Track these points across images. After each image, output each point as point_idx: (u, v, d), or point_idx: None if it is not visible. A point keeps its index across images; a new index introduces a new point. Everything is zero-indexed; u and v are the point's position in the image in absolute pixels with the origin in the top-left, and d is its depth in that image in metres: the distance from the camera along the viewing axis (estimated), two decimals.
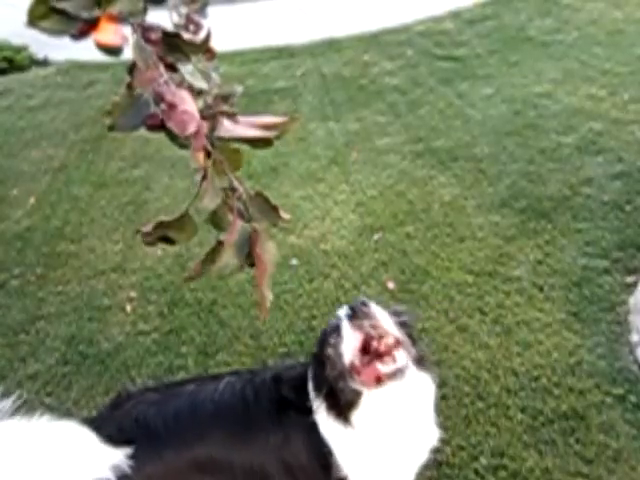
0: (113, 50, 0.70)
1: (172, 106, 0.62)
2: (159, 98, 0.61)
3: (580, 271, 2.41)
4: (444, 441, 1.84)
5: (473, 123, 3.65)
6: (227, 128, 0.70)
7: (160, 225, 0.76)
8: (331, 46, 5.18)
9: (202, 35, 0.82)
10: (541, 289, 2.36)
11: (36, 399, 2.13)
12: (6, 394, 1.31)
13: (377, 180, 3.21)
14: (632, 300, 2.22)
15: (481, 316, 2.28)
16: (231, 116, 0.71)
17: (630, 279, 2.32)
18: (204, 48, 0.70)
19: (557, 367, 2.03)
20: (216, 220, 0.77)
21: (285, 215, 0.80)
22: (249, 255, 0.80)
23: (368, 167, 3.34)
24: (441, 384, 2.02)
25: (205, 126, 0.68)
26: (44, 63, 5.44)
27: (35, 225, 3.22)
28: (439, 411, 1.91)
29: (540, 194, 2.90)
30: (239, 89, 0.90)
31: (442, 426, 1.87)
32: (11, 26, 5.61)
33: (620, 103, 3.61)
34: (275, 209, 0.79)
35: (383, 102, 4.08)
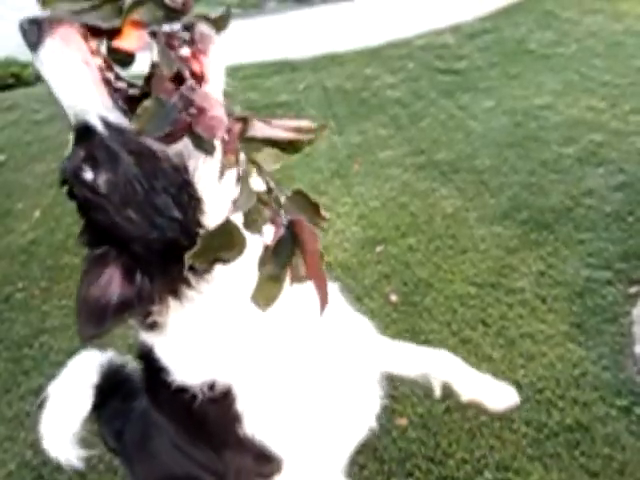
0: (126, 61, 0.69)
1: (201, 110, 0.59)
2: (188, 103, 0.59)
3: (583, 282, 2.41)
4: (448, 454, 1.84)
5: (474, 135, 3.67)
6: (259, 128, 0.66)
7: (207, 244, 0.66)
8: (333, 60, 5.24)
9: None
10: (544, 301, 2.36)
11: (39, 413, 2.12)
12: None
13: (379, 192, 3.22)
14: (635, 311, 2.22)
15: (484, 328, 2.27)
16: (263, 118, 0.68)
17: (633, 290, 2.32)
18: None
19: (561, 379, 2.02)
20: (250, 222, 0.69)
21: (325, 213, 0.73)
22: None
23: (370, 179, 3.36)
24: (445, 397, 2.02)
25: (237, 127, 0.65)
26: None
27: (40, 238, 3.25)
28: (442, 423, 1.92)
29: (542, 205, 2.90)
30: (236, 109, 0.91)
31: (446, 440, 1.88)
32: (18, 42, 5.70)
33: (620, 114, 3.63)
34: (316, 207, 0.74)
35: (385, 115, 4.11)
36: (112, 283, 0.81)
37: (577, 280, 2.42)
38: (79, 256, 3.07)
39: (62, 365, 2.35)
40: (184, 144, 0.68)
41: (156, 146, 0.69)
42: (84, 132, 0.74)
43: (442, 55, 5.01)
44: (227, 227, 0.66)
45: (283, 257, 0.67)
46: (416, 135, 3.78)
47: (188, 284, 0.82)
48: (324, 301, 0.70)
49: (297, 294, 0.77)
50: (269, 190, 0.71)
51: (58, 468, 1.87)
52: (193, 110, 0.59)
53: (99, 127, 0.71)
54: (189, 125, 0.59)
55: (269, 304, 0.68)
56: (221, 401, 0.95)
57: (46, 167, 4.01)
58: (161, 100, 0.59)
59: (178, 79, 0.61)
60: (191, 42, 0.62)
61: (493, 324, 2.28)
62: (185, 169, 0.74)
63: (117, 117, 0.71)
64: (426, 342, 2.23)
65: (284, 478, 1.08)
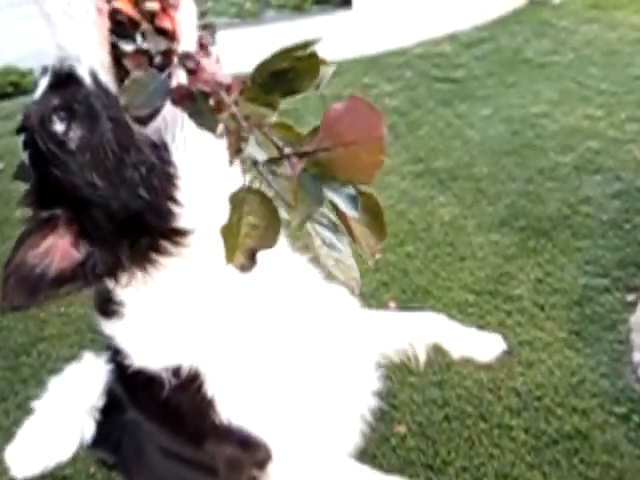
0: None
1: (199, 66, 0.54)
2: (182, 63, 0.53)
3: (581, 290, 2.41)
4: (447, 463, 1.83)
5: (472, 143, 3.69)
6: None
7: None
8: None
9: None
10: (542, 308, 2.36)
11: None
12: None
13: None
14: (633, 319, 2.22)
15: None
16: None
17: (631, 297, 2.33)
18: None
19: (560, 386, 2.02)
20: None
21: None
22: None
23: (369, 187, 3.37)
24: (443, 405, 2.02)
25: (237, 84, 0.57)
26: None
27: None
28: (441, 431, 1.92)
29: (539, 213, 2.92)
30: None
31: (445, 448, 1.87)
32: (17, 51, 5.73)
33: (617, 122, 3.66)
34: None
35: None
36: (54, 251, 0.73)
37: (575, 288, 2.43)
38: None
39: (61, 372, 2.36)
40: (162, 118, 0.62)
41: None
42: (64, 80, 0.67)
43: (440, 64, 5.05)
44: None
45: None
46: (414, 143, 3.80)
47: (150, 259, 0.74)
48: (381, 237, 0.57)
49: (272, 260, 0.69)
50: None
51: (55, 478, 1.86)
52: (191, 64, 0.53)
53: (87, 80, 0.65)
54: (189, 92, 0.52)
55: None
56: (189, 387, 0.86)
57: None
58: (152, 72, 0.53)
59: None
60: None
61: (492, 331, 2.28)
62: (163, 145, 0.67)
63: (108, 80, 0.64)
64: None
65: (281, 466, 0.98)
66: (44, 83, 0.70)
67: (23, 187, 3.39)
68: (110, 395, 1.24)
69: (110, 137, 0.66)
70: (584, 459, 1.78)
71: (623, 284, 2.40)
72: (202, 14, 0.66)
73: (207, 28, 0.76)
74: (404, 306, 2.46)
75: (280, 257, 0.89)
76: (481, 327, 2.30)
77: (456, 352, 1.38)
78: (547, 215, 2.89)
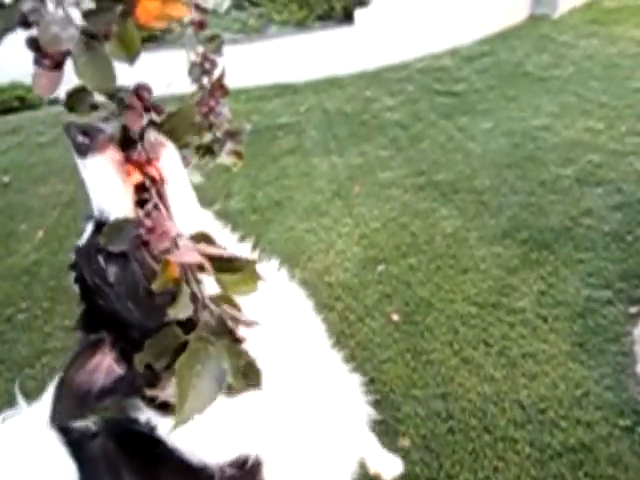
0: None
1: (152, 229, 0.63)
2: (141, 224, 0.64)
3: (584, 302, 2.42)
4: (451, 476, 1.82)
5: (473, 156, 3.72)
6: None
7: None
8: (333, 83, 5.33)
9: (217, 72, 0.86)
10: (545, 320, 2.36)
11: None
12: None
13: (380, 213, 3.25)
14: (637, 331, 2.22)
15: (486, 348, 2.27)
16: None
17: (634, 309, 2.33)
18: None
19: (564, 399, 2.02)
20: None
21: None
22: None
23: (371, 200, 3.39)
24: (447, 417, 2.01)
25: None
26: (55, 101, 5.60)
27: (43, 259, 3.26)
28: (445, 444, 1.91)
29: (541, 225, 2.93)
30: (247, 127, 0.94)
31: (449, 461, 1.86)
32: (23, 66, 5.81)
33: (617, 135, 3.68)
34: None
35: (385, 137, 4.17)
36: (99, 368, 0.83)
37: (578, 300, 2.43)
38: None
39: None
40: None
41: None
42: (103, 226, 0.79)
43: (441, 78, 5.10)
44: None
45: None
46: (416, 156, 3.83)
47: None
48: None
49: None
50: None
51: None
52: (145, 229, 0.63)
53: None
54: (144, 242, 0.63)
55: None
56: (247, 476, 0.94)
57: (50, 189, 4.05)
58: (124, 221, 0.64)
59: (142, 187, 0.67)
60: (144, 152, 0.66)
61: (495, 344, 2.28)
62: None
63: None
64: (428, 362, 2.23)
65: None
66: (89, 228, 0.83)
67: (28, 201, 3.43)
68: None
69: (139, 274, 0.76)
70: (588, 472, 1.77)
71: (626, 296, 2.40)
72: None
73: (214, 40, 0.78)
74: (407, 319, 2.46)
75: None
76: (484, 339, 2.31)
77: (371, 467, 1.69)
78: (549, 227, 2.90)
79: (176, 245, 0.60)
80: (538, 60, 5.18)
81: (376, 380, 2.18)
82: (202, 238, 0.60)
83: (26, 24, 0.48)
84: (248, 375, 0.59)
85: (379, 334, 2.40)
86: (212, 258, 0.58)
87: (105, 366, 0.82)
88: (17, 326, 2.77)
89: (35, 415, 1.29)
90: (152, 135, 0.65)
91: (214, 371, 0.56)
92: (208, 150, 0.93)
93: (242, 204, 3.55)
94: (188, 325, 0.59)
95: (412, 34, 5.73)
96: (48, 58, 0.49)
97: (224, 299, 0.58)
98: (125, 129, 0.62)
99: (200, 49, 0.86)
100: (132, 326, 0.81)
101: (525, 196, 3.20)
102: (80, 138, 0.66)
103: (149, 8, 0.51)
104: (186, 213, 0.75)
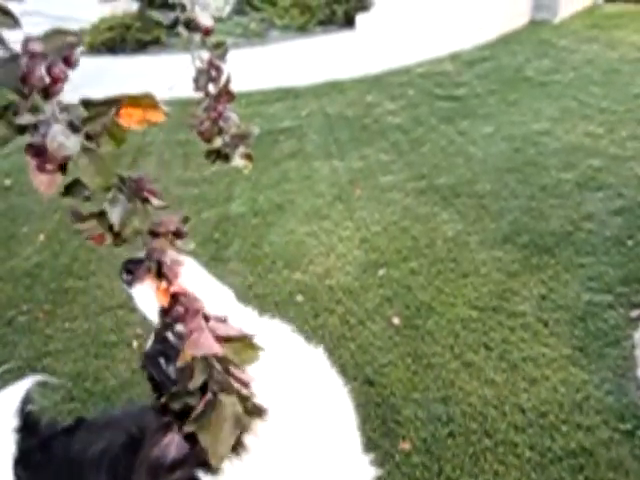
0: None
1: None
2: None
3: (584, 306, 2.42)
4: (452, 479, 1.82)
5: (474, 160, 3.73)
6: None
7: None
8: (334, 87, 5.34)
9: (223, 78, 0.87)
10: (546, 324, 2.37)
11: None
12: None
13: (381, 217, 3.26)
14: (637, 335, 2.22)
15: (487, 352, 2.28)
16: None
17: (634, 314, 2.33)
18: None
19: (564, 403, 2.02)
20: None
21: None
22: None
23: (372, 204, 3.40)
24: (448, 421, 2.01)
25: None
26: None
27: (44, 262, 3.27)
28: (446, 448, 1.91)
29: (542, 230, 2.93)
30: (256, 130, 0.95)
31: (450, 464, 1.86)
32: None
33: (618, 140, 3.69)
34: None
35: (386, 141, 4.18)
36: (170, 445, 0.97)
37: (578, 304, 2.43)
38: (83, 280, 3.09)
39: (65, 388, 2.37)
40: None
41: None
42: (159, 335, 0.99)
43: (442, 82, 5.12)
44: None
45: None
46: (417, 160, 3.84)
47: (241, 444, 0.97)
48: None
49: None
50: None
51: None
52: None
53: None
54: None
55: None
56: None
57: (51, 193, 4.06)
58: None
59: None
60: (162, 274, 0.74)
61: (495, 347, 2.29)
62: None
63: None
64: (428, 366, 2.23)
65: None
66: (151, 337, 1.02)
67: (29, 204, 3.43)
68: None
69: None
70: (589, 476, 1.77)
71: (627, 300, 2.41)
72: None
73: (219, 47, 0.79)
74: (408, 322, 2.47)
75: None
76: (485, 343, 2.31)
77: None
78: (550, 232, 2.91)
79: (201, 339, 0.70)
80: (539, 65, 5.20)
81: (377, 383, 2.18)
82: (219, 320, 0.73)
83: (23, 131, 0.52)
84: (255, 412, 0.73)
85: (380, 337, 2.40)
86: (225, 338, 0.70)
87: (176, 442, 0.95)
88: (18, 328, 2.77)
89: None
90: (169, 258, 0.75)
91: (231, 415, 0.69)
92: (219, 155, 0.95)
93: (243, 207, 3.56)
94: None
95: (413, 39, 5.75)
96: (51, 163, 0.53)
97: (228, 362, 0.71)
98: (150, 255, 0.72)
99: (206, 56, 0.87)
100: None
101: (526, 200, 3.20)
102: (125, 276, 0.87)
103: (131, 113, 0.56)
104: (208, 301, 0.83)
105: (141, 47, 6.32)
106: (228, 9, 6.60)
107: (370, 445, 1.93)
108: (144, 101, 0.57)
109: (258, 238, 3.22)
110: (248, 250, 3.12)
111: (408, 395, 2.12)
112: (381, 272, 2.81)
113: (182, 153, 4.36)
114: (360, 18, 5.82)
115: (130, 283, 0.89)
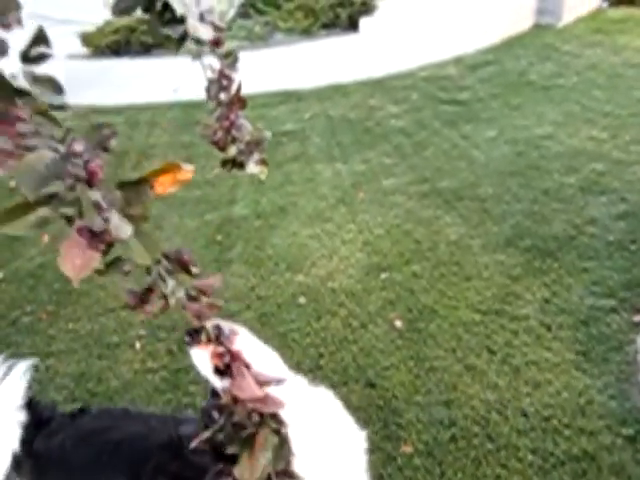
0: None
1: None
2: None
3: (587, 310, 2.41)
4: None
5: (477, 164, 3.73)
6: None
7: None
8: (338, 90, 5.36)
9: (234, 86, 0.88)
10: (549, 328, 2.36)
11: None
12: None
13: (384, 220, 3.26)
14: None
15: (489, 355, 2.27)
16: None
17: (638, 318, 2.32)
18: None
19: (567, 407, 2.01)
20: None
21: None
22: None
23: (375, 207, 3.40)
24: (450, 424, 2.01)
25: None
26: (61, 107, 5.64)
27: (48, 263, 3.28)
28: (448, 451, 1.91)
29: (545, 233, 2.93)
30: (268, 135, 0.97)
31: (452, 468, 1.86)
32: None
33: (622, 144, 3.69)
34: None
35: (389, 144, 4.19)
36: None
37: (581, 308, 2.43)
38: (86, 281, 3.10)
39: (68, 389, 2.37)
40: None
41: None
42: (213, 393, 1.07)
43: (445, 86, 5.12)
44: None
45: None
46: (420, 164, 3.84)
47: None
48: None
49: None
50: None
51: None
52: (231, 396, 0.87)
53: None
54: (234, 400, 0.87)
55: None
56: None
57: None
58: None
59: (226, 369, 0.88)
60: (220, 341, 0.86)
61: (498, 351, 2.28)
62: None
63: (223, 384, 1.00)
64: (431, 369, 2.23)
65: None
66: (209, 395, 1.09)
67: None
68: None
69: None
70: None
71: (630, 305, 2.40)
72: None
73: (229, 56, 0.80)
74: (410, 326, 2.47)
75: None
76: (487, 347, 2.31)
77: None
78: (552, 236, 2.91)
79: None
80: (542, 69, 5.20)
81: (379, 386, 2.18)
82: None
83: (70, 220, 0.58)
84: (283, 447, 0.86)
85: (382, 340, 2.40)
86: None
87: None
88: (22, 329, 2.78)
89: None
90: (227, 329, 0.87)
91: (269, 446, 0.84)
92: (235, 163, 0.96)
93: (246, 210, 3.57)
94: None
95: (417, 42, 5.76)
96: (103, 242, 0.57)
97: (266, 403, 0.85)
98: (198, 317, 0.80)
99: (216, 65, 0.88)
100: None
101: (528, 204, 3.20)
102: (187, 338, 0.95)
103: (164, 182, 0.62)
104: (258, 365, 0.92)
105: (146, 50, 6.34)
106: (232, 12, 6.62)
107: (372, 448, 1.94)
108: (170, 167, 0.61)
109: (261, 240, 3.22)
110: (251, 252, 3.13)
111: (410, 398, 2.12)
112: (384, 275, 2.81)
113: (185, 155, 4.37)
114: (364, 22, 5.83)
115: (190, 345, 0.98)
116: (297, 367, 2.31)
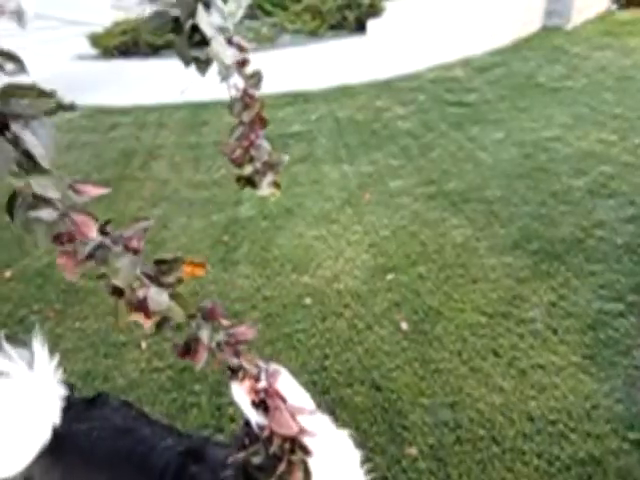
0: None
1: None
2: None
3: (595, 314, 2.40)
4: None
5: (484, 166, 3.72)
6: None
7: None
8: (345, 92, 5.36)
9: (256, 107, 0.90)
10: (555, 332, 2.35)
11: None
12: None
13: (390, 221, 3.26)
14: None
15: (495, 358, 2.26)
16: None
17: None
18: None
19: (573, 411, 2.00)
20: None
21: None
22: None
23: (381, 208, 3.40)
24: (455, 427, 2.00)
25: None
26: (70, 107, 5.69)
27: (55, 262, 3.30)
28: (453, 454, 1.90)
29: (552, 236, 2.92)
30: (286, 158, 0.98)
31: (457, 471, 1.86)
32: (40, 73, 5.92)
33: (631, 147, 3.66)
34: None
35: (396, 146, 4.18)
36: None
37: (589, 312, 2.41)
38: (93, 280, 3.12)
39: (74, 387, 2.38)
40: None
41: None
42: (246, 424, 1.09)
43: (452, 88, 5.11)
44: None
45: None
46: (426, 165, 3.83)
47: None
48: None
49: None
50: None
51: None
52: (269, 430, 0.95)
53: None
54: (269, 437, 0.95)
55: None
56: None
57: None
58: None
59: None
60: (263, 379, 0.95)
61: (504, 354, 2.27)
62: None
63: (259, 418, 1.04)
64: (436, 371, 2.22)
65: None
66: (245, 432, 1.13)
67: None
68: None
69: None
70: None
71: (638, 309, 2.38)
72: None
73: (254, 77, 0.82)
74: (416, 327, 2.46)
75: None
76: (493, 349, 2.30)
77: None
78: (560, 238, 2.89)
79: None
80: (550, 71, 5.18)
81: (384, 388, 2.17)
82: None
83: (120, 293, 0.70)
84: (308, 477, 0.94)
85: (388, 342, 2.40)
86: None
87: None
88: (29, 328, 2.79)
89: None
90: (271, 368, 0.96)
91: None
92: (248, 182, 0.98)
93: (252, 211, 3.58)
94: None
95: (424, 44, 5.76)
96: (149, 315, 0.70)
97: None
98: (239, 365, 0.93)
99: (240, 85, 0.89)
100: None
101: (536, 207, 3.19)
102: (229, 375, 0.99)
103: (185, 270, 0.74)
104: (297, 402, 0.99)
105: (154, 51, 6.38)
106: (240, 13, 6.64)
107: (376, 450, 1.93)
108: (190, 263, 0.75)
109: (267, 241, 3.23)
110: (257, 253, 3.13)
111: (415, 400, 2.11)
112: (389, 277, 2.80)
113: (192, 156, 4.39)
114: (371, 23, 5.83)
115: (231, 379, 1.04)
116: (302, 368, 2.32)
